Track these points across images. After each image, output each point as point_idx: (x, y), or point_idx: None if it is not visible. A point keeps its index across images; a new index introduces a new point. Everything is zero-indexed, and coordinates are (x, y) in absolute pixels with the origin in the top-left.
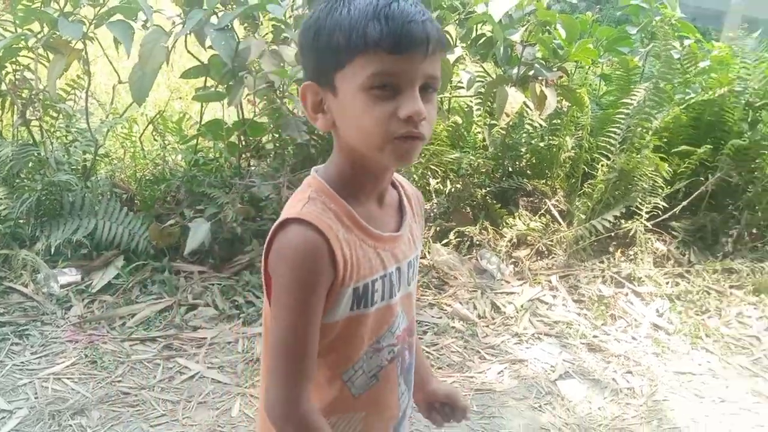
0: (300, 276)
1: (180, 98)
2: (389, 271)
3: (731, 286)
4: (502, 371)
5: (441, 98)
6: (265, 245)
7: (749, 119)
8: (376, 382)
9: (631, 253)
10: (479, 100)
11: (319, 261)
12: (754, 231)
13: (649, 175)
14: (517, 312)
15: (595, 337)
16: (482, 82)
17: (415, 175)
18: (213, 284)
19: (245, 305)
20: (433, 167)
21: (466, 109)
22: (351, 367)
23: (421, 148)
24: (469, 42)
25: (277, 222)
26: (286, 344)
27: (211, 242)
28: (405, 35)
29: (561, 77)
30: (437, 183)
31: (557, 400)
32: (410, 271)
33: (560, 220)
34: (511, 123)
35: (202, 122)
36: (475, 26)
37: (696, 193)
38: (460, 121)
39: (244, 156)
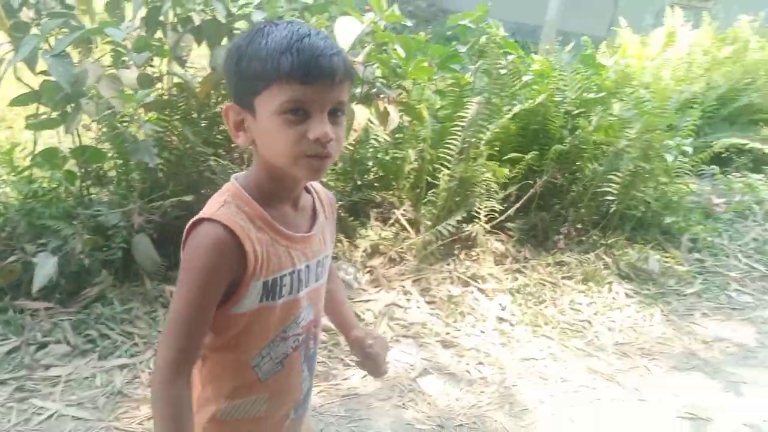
0: (202, 267)
1: (10, 128)
2: (298, 268)
3: (563, 277)
4: (365, 375)
5: None
6: (182, 242)
7: (569, 126)
8: (282, 368)
9: (473, 253)
10: None
11: (224, 256)
12: (579, 226)
13: (485, 181)
14: (375, 318)
15: (447, 334)
16: None
17: None
18: (62, 320)
19: (99, 338)
20: None
21: None
22: (258, 353)
23: (329, 164)
24: None
25: (191, 220)
26: (176, 325)
27: (57, 276)
28: (314, 67)
29: (401, 94)
30: None
31: (419, 396)
32: (319, 268)
33: (408, 228)
34: (358, 139)
35: (36, 151)
36: None
37: (527, 195)
38: None
39: (84, 184)
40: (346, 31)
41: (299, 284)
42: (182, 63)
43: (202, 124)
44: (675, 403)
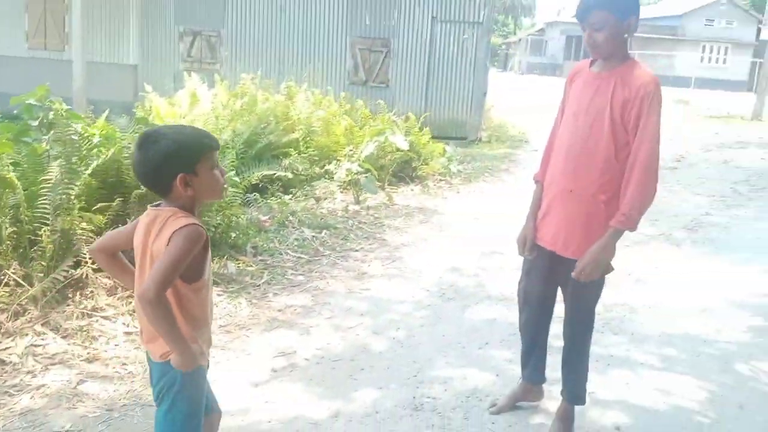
0: (190, 248)
1: None
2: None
3: None
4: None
5: None
6: (167, 238)
7: None
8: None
9: (88, 292)
10: None
11: (201, 242)
12: None
13: (84, 230)
14: (21, 358)
15: (88, 353)
16: None
17: None
18: None
19: None
20: None
21: None
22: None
23: None
24: None
25: (181, 226)
26: (164, 275)
27: None
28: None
29: None
30: None
31: (86, 397)
32: None
33: (23, 283)
34: None
35: None
36: None
37: None
38: None
39: None
40: None
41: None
42: None
43: None
44: (269, 353)
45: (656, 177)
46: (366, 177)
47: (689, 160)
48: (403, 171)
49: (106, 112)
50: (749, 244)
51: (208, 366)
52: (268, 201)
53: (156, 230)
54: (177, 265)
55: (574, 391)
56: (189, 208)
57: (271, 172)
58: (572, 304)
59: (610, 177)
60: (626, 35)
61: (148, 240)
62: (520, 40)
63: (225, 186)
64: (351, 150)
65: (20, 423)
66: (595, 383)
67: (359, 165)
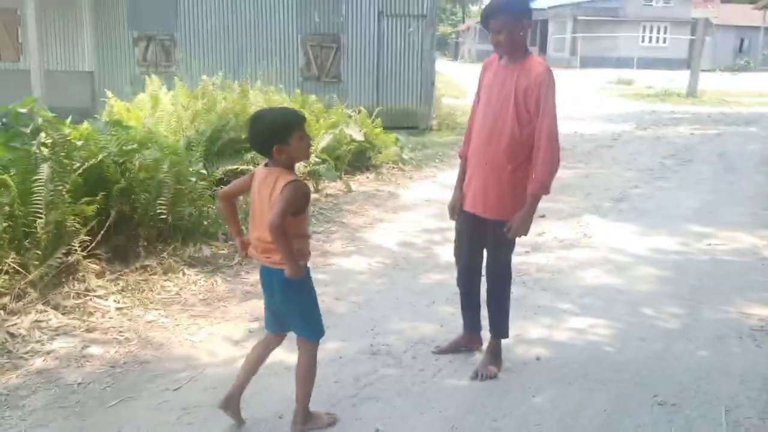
0: (296, 195)
1: None
2: None
3: (151, 274)
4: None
5: None
6: (282, 188)
7: (121, 171)
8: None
9: (80, 276)
10: None
11: (302, 191)
12: (148, 240)
13: (72, 222)
14: (27, 331)
15: (87, 325)
16: None
17: None
18: None
19: None
20: None
21: None
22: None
23: None
24: None
25: (288, 180)
26: (283, 211)
27: None
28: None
29: None
30: None
31: (92, 359)
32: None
33: (22, 270)
34: None
35: None
36: None
37: (106, 225)
38: None
39: None
40: None
41: None
42: None
43: None
44: (245, 318)
45: (558, 147)
46: (324, 166)
47: (624, 138)
48: (358, 161)
49: (69, 118)
50: (666, 212)
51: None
52: None
53: (270, 183)
54: (290, 205)
55: (498, 327)
56: (289, 166)
57: (235, 167)
58: (492, 257)
59: (515, 150)
60: (522, 33)
61: (265, 189)
62: (468, 28)
63: (311, 150)
64: None
65: (38, 379)
66: (522, 327)
67: (317, 156)
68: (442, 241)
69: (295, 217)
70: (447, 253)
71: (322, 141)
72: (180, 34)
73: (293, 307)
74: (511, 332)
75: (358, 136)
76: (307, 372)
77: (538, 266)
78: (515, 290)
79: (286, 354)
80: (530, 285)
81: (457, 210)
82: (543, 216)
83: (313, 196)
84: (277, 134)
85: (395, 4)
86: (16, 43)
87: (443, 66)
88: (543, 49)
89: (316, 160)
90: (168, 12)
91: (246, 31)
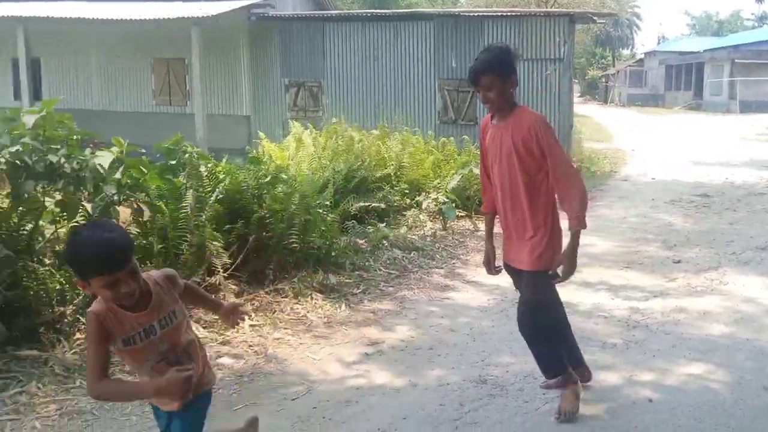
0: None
1: None
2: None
3: (282, 297)
4: None
5: None
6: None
7: (258, 202)
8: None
9: (220, 296)
10: None
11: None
12: (282, 268)
13: (215, 246)
14: None
15: (224, 338)
16: None
17: None
18: None
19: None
20: None
21: None
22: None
23: None
24: None
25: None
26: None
27: None
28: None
29: (145, 195)
30: None
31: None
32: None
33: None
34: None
35: None
36: None
37: (244, 250)
38: None
39: None
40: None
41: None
42: None
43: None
44: (362, 342)
45: (577, 179)
46: (446, 205)
47: None
48: None
49: (225, 157)
50: None
51: None
52: (366, 227)
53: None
54: (88, 342)
55: (542, 365)
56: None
57: (367, 204)
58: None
59: (534, 199)
60: (511, 90)
61: None
62: (618, 71)
63: (131, 299)
64: (438, 182)
65: None
66: (636, 369)
67: (445, 195)
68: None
69: (123, 349)
70: (562, 292)
71: (451, 181)
72: (326, 81)
73: None
74: (623, 373)
75: None
76: None
77: (663, 311)
78: (637, 333)
79: (391, 377)
80: (653, 329)
81: (492, 265)
82: (679, 262)
83: (440, 233)
84: (77, 269)
85: (532, 48)
86: (183, 90)
87: (591, 110)
88: (699, 95)
89: (445, 199)
90: (317, 60)
91: (386, 77)
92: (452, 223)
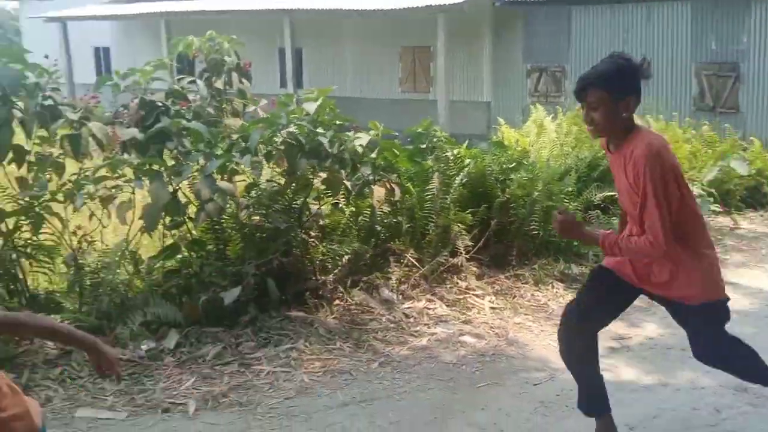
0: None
1: None
2: None
3: (523, 283)
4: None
5: None
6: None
7: (501, 187)
8: None
9: (462, 275)
10: None
11: None
12: (521, 252)
13: (457, 228)
14: (418, 315)
15: (467, 317)
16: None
17: None
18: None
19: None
20: None
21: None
22: None
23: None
24: None
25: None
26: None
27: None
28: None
29: (397, 177)
30: None
31: (468, 343)
32: None
33: (417, 264)
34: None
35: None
36: None
37: (486, 234)
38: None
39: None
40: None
41: None
42: None
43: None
44: (607, 336)
45: (651, 245)
46: (701, 199)
47: None
48: (752, 196)
49: (466, 142)
50: None
51: None
52: (610, 220)
53: None
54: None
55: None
56: None
57: (612, 193)
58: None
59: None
60: (625, 114)
61: None
62: None
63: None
64: (694, 174)
65: (422, 354)
66: None
67: (701, 189)
68: None
69: None
70: None
71: (708, 173)
72: (570, 66)
73: None
74: None
75: (743, 170)
76: None
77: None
78: None
79: (639, 375)
80: None
81: None
82: None
83: None
84: None
85: None
86: (428, 77)
87: None
88: None
89: (701, 192)
90: (561, 45)
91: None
92: (708, 219)
